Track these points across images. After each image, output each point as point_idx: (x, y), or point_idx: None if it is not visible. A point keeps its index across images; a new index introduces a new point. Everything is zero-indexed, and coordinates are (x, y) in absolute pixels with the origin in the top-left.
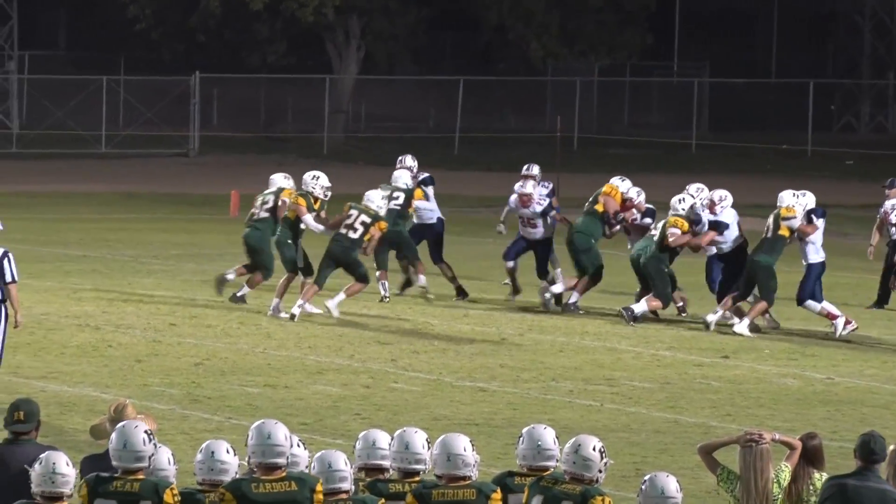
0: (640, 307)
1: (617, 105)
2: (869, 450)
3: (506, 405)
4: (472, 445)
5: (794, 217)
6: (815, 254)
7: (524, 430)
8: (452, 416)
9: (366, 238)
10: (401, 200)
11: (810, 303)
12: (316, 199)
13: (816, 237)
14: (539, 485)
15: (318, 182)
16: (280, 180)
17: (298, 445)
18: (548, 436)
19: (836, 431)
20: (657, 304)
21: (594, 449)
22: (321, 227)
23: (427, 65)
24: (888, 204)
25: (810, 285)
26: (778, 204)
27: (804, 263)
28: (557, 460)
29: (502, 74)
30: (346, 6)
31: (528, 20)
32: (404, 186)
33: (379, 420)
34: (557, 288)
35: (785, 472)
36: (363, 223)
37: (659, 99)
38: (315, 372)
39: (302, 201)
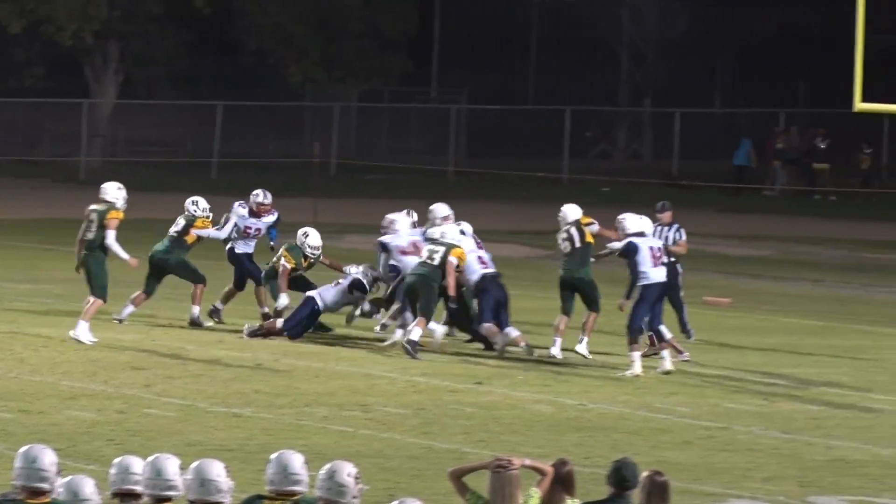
0: (416, 333)
1: (376, 131)
2: (621, 476)
3: (260, 431)
4: (227, 471)
5: (594, 222)
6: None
7: (272, 455)
8: (206, 442)
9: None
10: (180, 227)
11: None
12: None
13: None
14: None
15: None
16: (112, 191)
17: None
18: (295, 461)
19: (589, 457)
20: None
21: (348, 475)
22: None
23: (187, 89)
24: (658, 228)
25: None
26: (565, 218)
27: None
28: (306, 485)
29: (262, 99)
30: (105, 31)
31: (288, 44)
32: (187, 214)
33: (133, 446)
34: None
35: (534, 497)
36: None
37: (417, 125)
38: (69, 397)
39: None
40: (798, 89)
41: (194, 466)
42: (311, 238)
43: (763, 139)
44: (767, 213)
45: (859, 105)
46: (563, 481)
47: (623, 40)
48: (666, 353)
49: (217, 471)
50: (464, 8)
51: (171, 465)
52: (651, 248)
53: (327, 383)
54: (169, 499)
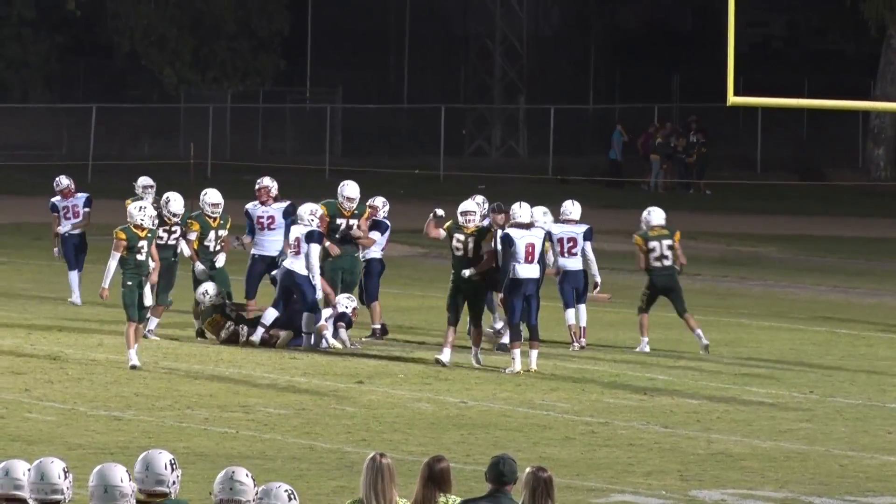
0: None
1: (251, 131)
2: (498, 472)
3: (141, 433)
4: (129, 475)
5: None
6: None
7: (140, 455)
8: (87, 446)
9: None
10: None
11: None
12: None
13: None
14: None
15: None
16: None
17: None
18: (161, 460)
19: (470, 455)
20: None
21: (246, 475)
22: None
23: (61, 91)
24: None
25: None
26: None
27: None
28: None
29: (136, 101)
30: None
31: (162, 46)
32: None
33: (14, 451)
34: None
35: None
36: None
37: (293, 125)
38: None
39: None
40: (672, 84)
41: (97, 472)
42: (172, 204)
43: (636, 134)
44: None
45: (732, 99)
46: (436, 478)
47: (496, 36)
48: (517, 352)
49: (120, 475)
50: (336, 6)
51: (55, 469)
52: (527, 244)
53: (208, 385)
54: (57, 502)
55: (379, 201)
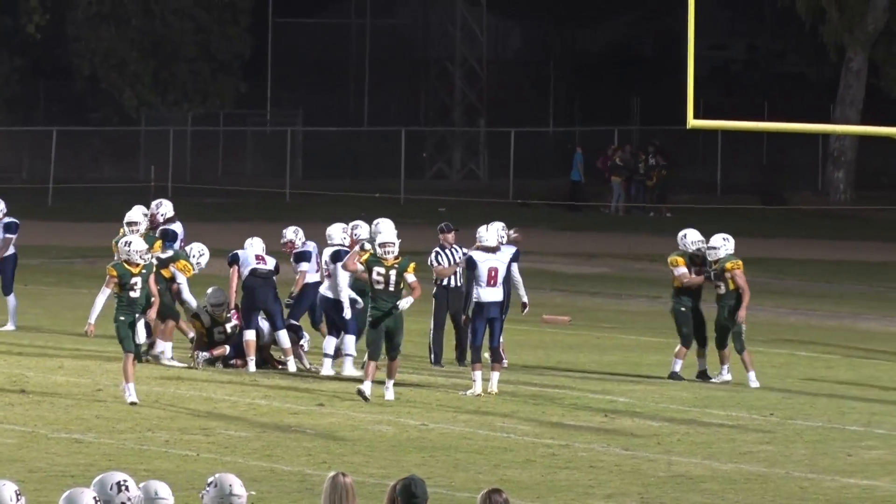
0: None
1: (211, 154)
2: (410, 493)
3: (102, 456)
4: (97, 500)
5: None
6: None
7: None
8: (48, 469)
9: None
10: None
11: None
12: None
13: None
14: None
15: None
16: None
17: None
18: (84, 499)
19: (431, 477)
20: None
21: (240, 485)
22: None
23: (21, 114)
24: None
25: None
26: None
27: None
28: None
29: (97, 124)
30: None
31: (121, 69)
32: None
33: None
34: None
35: None
36: None
37: (253, 147)
38: None
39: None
40: (632, 107)
41: (65, 497)
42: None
43: (597, 157)
44: (605, 230)
45: (692, 122)
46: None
47: (456, 60)
48: (478, 374)
49: (87, 500)
50: (296, 29)
51: (7, 492)
52: (490, 268)
53: (168, 407)
54: None
55: (290, 232)
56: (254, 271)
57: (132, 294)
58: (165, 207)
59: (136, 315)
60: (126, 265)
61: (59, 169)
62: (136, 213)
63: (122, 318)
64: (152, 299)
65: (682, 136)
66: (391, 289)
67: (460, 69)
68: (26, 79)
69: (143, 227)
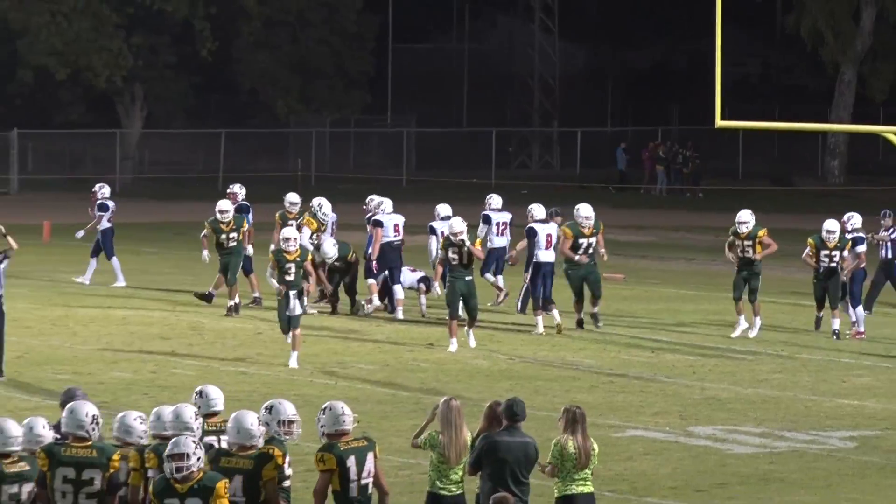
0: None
1: (345, 150)
2: (512, 412)
3: (262, 384)
4: (259, 420)
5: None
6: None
7: (231, 415)
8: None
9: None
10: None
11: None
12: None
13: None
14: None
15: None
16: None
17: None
18: (248, 418)
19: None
20: None
21: (251, 423)
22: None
23: (197, 120)
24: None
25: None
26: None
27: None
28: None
29: (255, 127)
30: (132, 75)
31: (274, 84)
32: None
33: (163, 398)
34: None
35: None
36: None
37: (377, 145)
38: (111, 361)
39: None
40: (671, 111)
41: (234, 416)
42: (325, 206)
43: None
44: (651, 208)
45: (720, 123)
46: (496, 417)
47: (535, 75)
48: (539, 318)
49: (251, 420)
50: (411, 52)
51: (188, 412)
52: (548, 235)
53: (313, 346)
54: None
55: (374, 203)
56: (390, 244)
57: (287, 277)
58: (326, 207)
59: (291, 293)
60: (283, 253)
61: (226, 162)
62: (295, 196)
63: (279, 298)
64: (311, 279)
65: (711, 134)
66: (464, 262)
67: (538, 83)
68: (200, 93)
69: (297, 208)
